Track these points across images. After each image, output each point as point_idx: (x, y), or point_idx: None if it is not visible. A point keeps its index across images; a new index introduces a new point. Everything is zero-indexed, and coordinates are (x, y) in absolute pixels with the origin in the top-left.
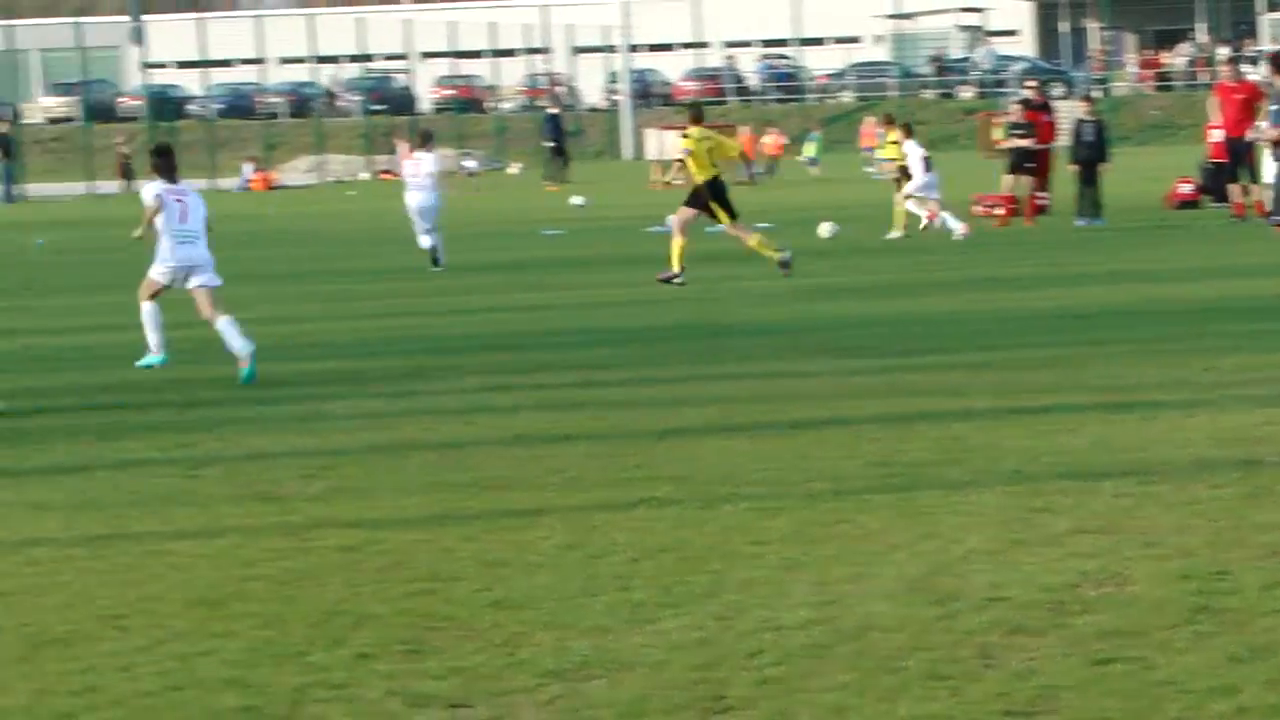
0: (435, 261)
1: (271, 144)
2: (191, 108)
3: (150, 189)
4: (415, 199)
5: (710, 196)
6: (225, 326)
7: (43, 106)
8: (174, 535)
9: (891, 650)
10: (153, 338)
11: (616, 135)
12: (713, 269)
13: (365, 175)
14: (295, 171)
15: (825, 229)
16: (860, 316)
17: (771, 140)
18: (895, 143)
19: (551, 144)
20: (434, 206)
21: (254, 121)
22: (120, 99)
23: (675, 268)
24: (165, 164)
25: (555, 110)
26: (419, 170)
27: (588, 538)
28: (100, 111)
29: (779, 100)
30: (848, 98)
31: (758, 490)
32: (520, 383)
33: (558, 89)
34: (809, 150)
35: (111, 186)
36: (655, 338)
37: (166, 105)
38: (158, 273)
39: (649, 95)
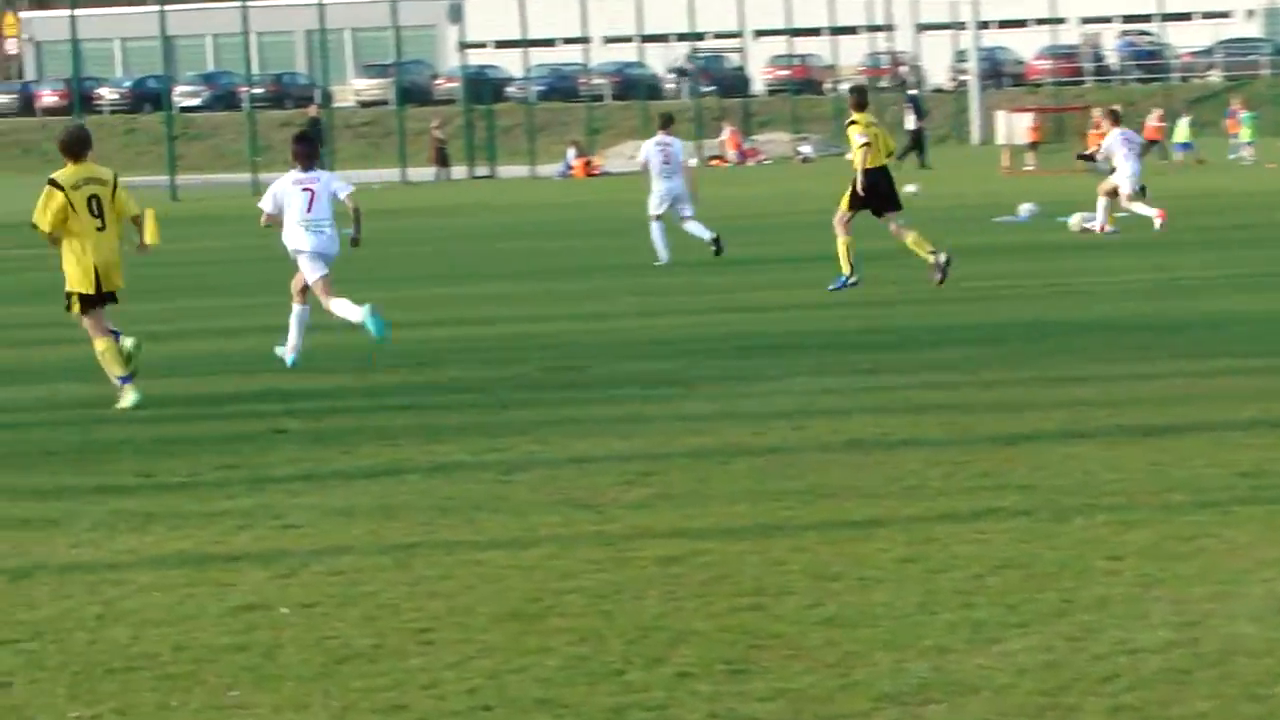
0: (718, 248)
1: (595, 128)
2: (510, 90)
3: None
4: (664, 187)
5: (872, 188)
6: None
7: (354, 89)
8: (485, 544)
9: (1258, 676)
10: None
11: (964, 118)
12: (1066, 261)
13: (693, 161)
14: (620, 157)
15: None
16: (1223, 314)
17: (1154, 122)
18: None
19: (913, 128)
20: (685, 193)
21: (576, 104)
22: (436, 81)
23: (845, 270)
24: (305, 150)
25: (915, 90)
26: (669, 156)
27: (927, 551)
28: (414, 94)
29: (1140, 80)
30: (1215, 77)
31: (1112, 501)
32: (856, 384)
33: (901, 69)
34: (1181, 135)
35: (425, 173)
36: (1001, 336)
37: (484, 87)
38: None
39: (999, 75)
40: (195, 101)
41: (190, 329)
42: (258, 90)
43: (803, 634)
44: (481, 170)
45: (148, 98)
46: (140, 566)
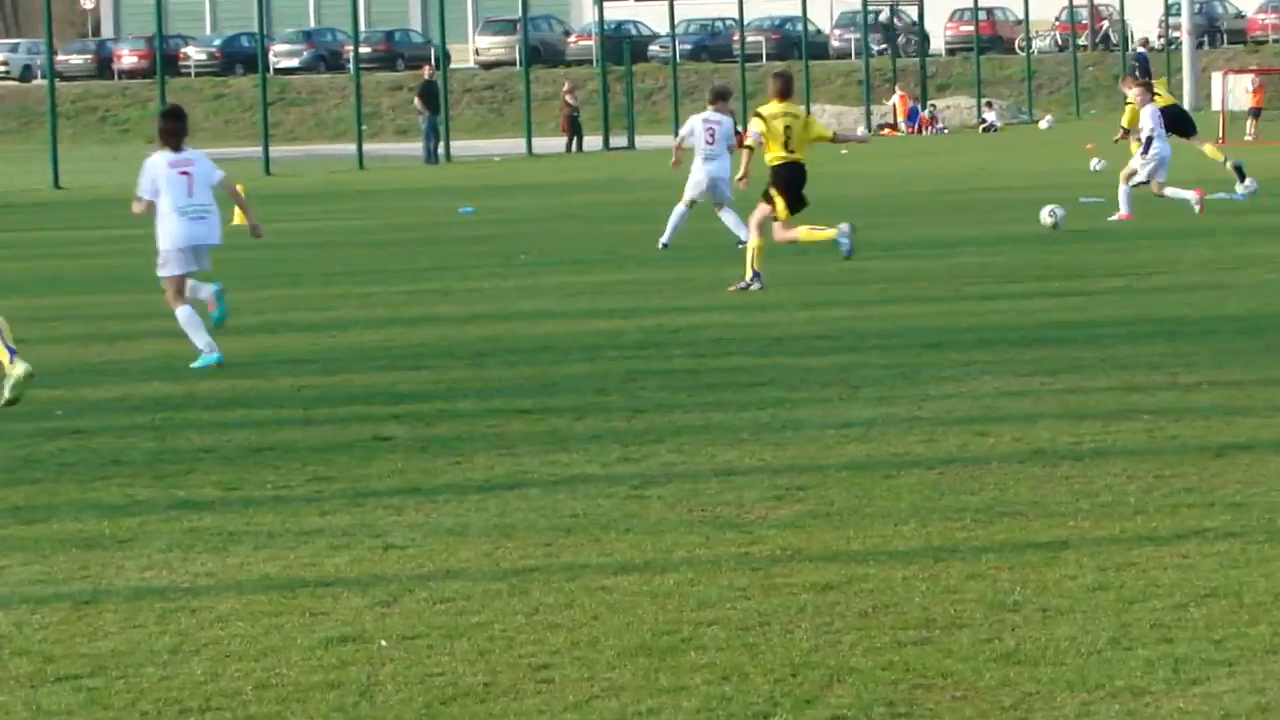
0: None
1: (751, 92)
2: (653, 49)
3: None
4: (706, 170)
5: (777, 181)
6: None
7: (475, 48)
8: (613, 568)
9: None
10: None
11: (1176, 80)
12: None
13: (861, 130)
14: None
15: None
16: None
17: None
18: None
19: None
20: (727, 179)
21: (728, 65)
22: (568, 38)
23: (748, 274)
24: (171, 129)
25: (1143, 49)
26: (715, 136)
27: (1122, 578)
28: (543, 53)
29: None
30: None
31: None
32: (1041, 385)
33: (1102, 24)
34: None
35: (554, 144)
36: (1211, 330)
37: (622, 46)
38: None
39: (1215, 31)
40: (293, 62)
41: (281, 321)
42: (365, 49)
43: (976, 672)
44: (618, 140)
45: (239, 58)
46: (220, 592)
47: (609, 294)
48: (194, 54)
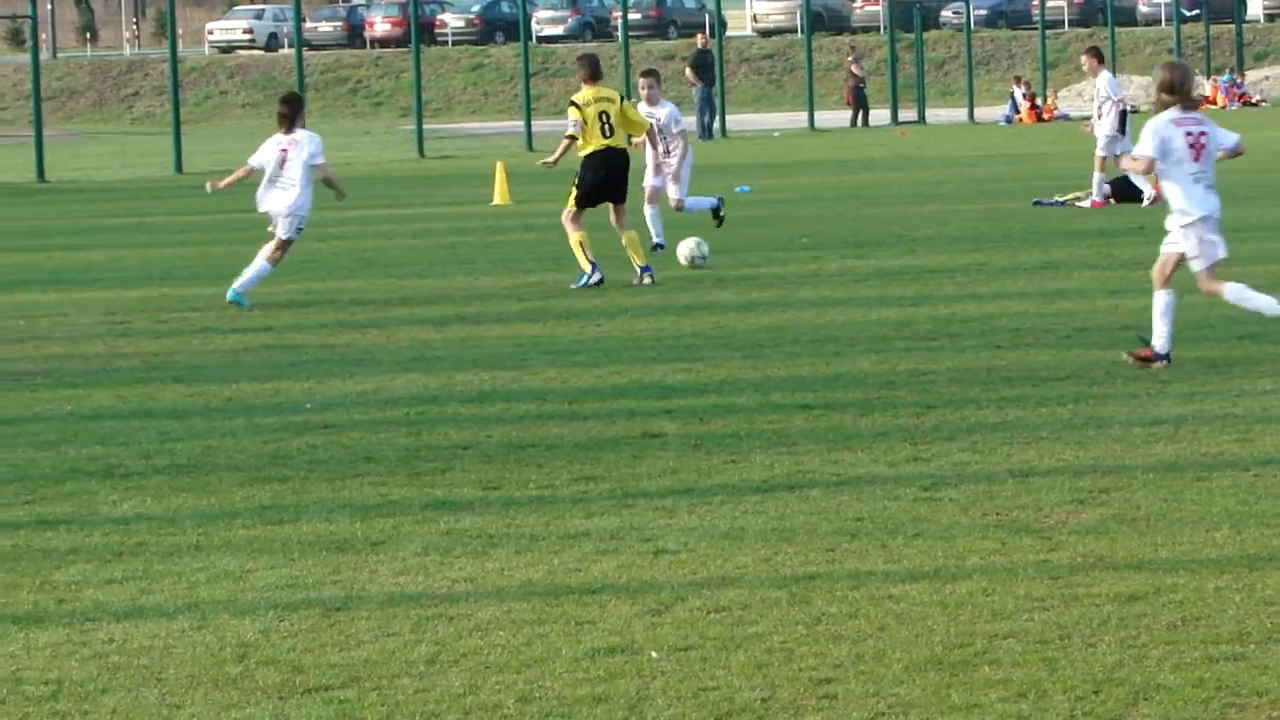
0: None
1: (1051, 61)
2: (945, 15)
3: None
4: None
5: (596, 180)
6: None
7: (753, 14)
8: (901, 576)
9: None
10: None
11: None
12: None
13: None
14: (1080, 98)
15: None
16: None
17: None
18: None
19: None
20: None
21: (1027, 32)
22: (854, 3)
23: (585, 267)
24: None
25: None
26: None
27: None
28: (826, 20)
29: None
30: None
31: None
32: None
33: None
34: None
35: (838, 117)
36: None
37: (912, 12)
38: None
39: None
40: (557, 30)
41: (543, 308)
42: (635, 16)
43: None
44: (907, 114)
45: (500, 25)
46: (479, 599)
47: (897, 281)
48: (451, 21)
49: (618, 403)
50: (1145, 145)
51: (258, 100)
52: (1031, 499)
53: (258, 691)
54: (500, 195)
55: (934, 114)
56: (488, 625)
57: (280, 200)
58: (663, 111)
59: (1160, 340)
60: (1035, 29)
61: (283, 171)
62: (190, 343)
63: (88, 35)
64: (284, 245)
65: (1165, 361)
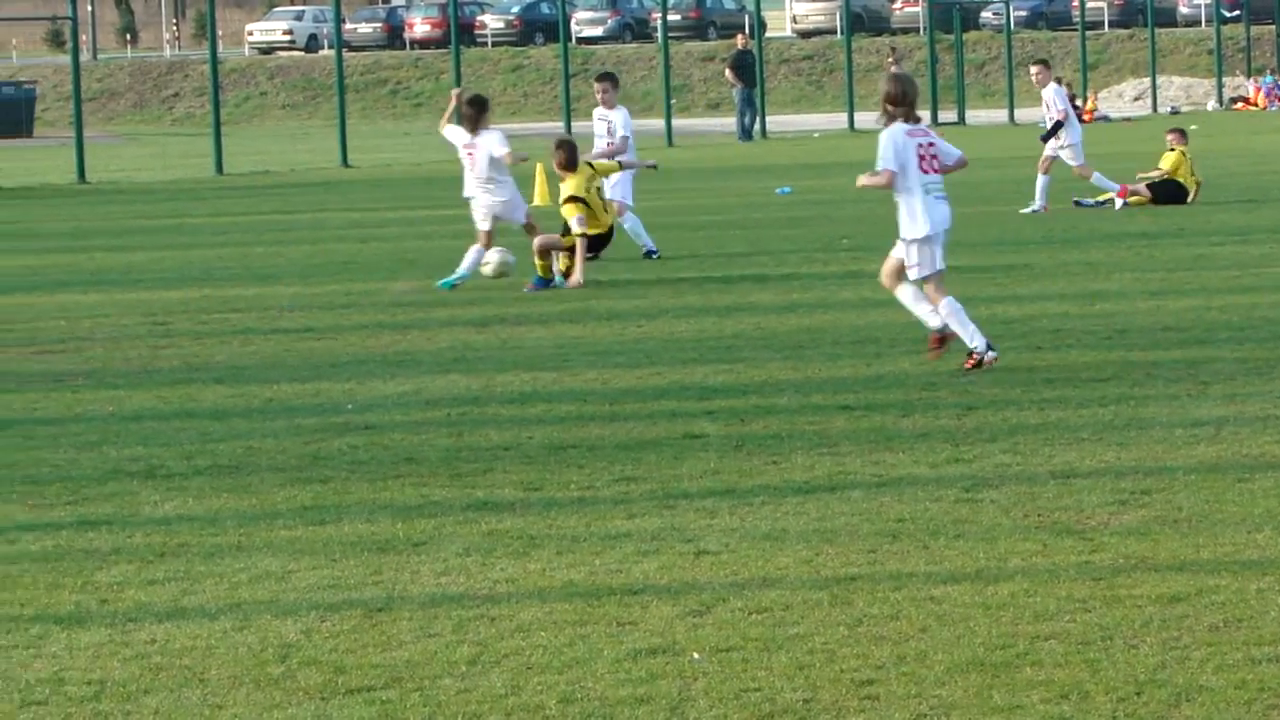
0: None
1: (1092, 63)
2: (985, 16)
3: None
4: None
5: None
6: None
7: (792, 15)
8: (943, 578)
9: None
10: None
11: None
12: None
13: (1212, 105)
14: (1120, 99)
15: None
16: None
17: None
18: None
19: None
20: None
21: (1067, 33)
22: (893, 4)
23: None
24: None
25: None
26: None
27: None
28: (866, 21)
29: None
30: None
31: None
32: None
33: None
34: None
35: (872, 119)
36: None
37: (952, 12)
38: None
39: None
40: (597, 31)
41: (588, 310)
42: (674, 17)
43: None
44: (947, 115)
45: (539, 26)
46: (521, 600)
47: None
48: (491, 22)
49: (659, 404)
50: (886, 159)
51: (297, 101)
52: (1073, 500)
53: (300, 692)
54: (540, 196)
55: (974, 115)
56: (529, 626)
57: (490, 197)
58: (618, 116)
59: (932, 320)
60: (1075, 30)
61: (474, 171)
62: (231, 344)
63: (128, 36)
64: (530, 229)
65: (946, 338)
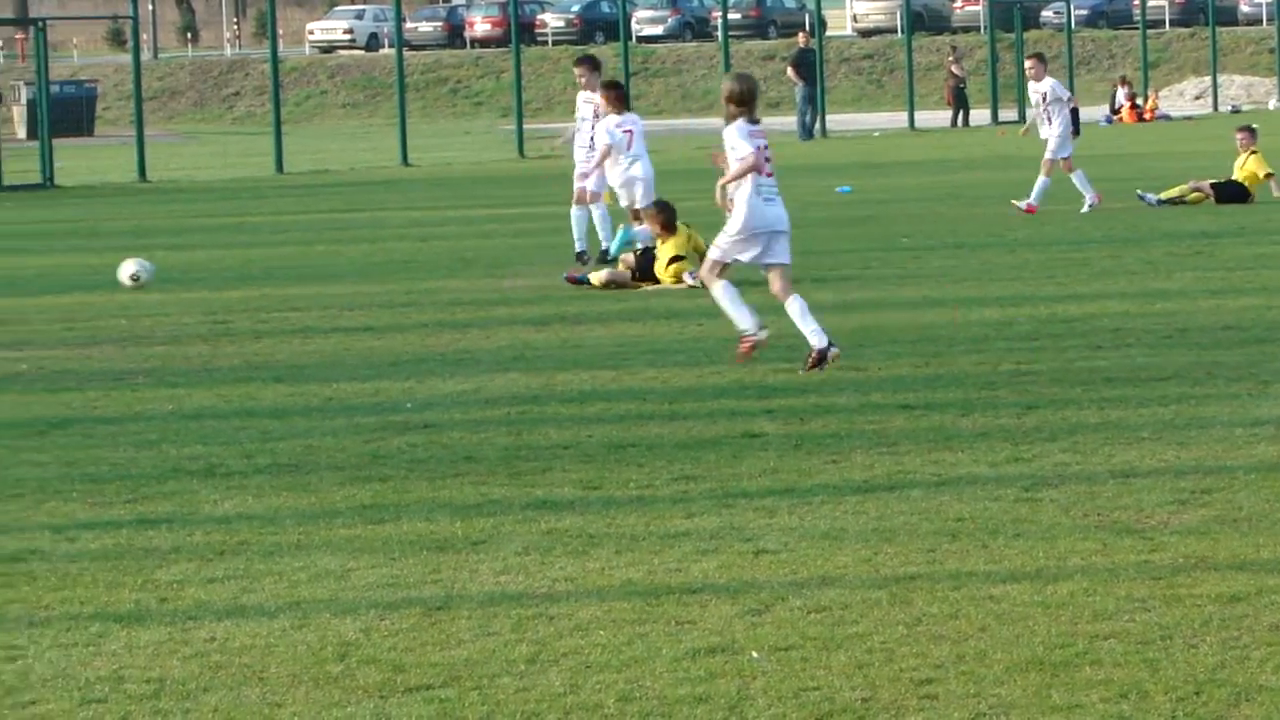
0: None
1: (1152, 61)
2: (1046, 14)
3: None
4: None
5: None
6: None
7: (852, 14)
8: (1002, 577)
9: None
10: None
11: None
12: None
13: (1273, 104)
14: (1181, 98)
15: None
16: None
17: None
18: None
19: None
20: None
21: (1128, 31)
22: (954, 3)
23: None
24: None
25: None
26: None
27: None
28: (926, 20)
29: None
30: None
31: None
32: None
33: None
34: None
35: (937, 117)
36: None
37: (1013, 12)
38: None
39: None
40: (657, 30)
41: (644, 309)
42: (734, 16)
43: None
44: (1008, 114)
45: (600, 25)
46: (580, 598)
47: (997, 280)
48: (551, 21)
49: (718, 403)
50: (741, 146)
51: (358, 100)
52: (1133, 499)
53: (359, 690)
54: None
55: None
56: (588, 625)
57: (627, 173)
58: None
59: (746, 322)
60: (1136, 29)
61: (631, 149)
62: (291, 342)
63: (188, 35)
64: (639, 213)
65: (764, 332)
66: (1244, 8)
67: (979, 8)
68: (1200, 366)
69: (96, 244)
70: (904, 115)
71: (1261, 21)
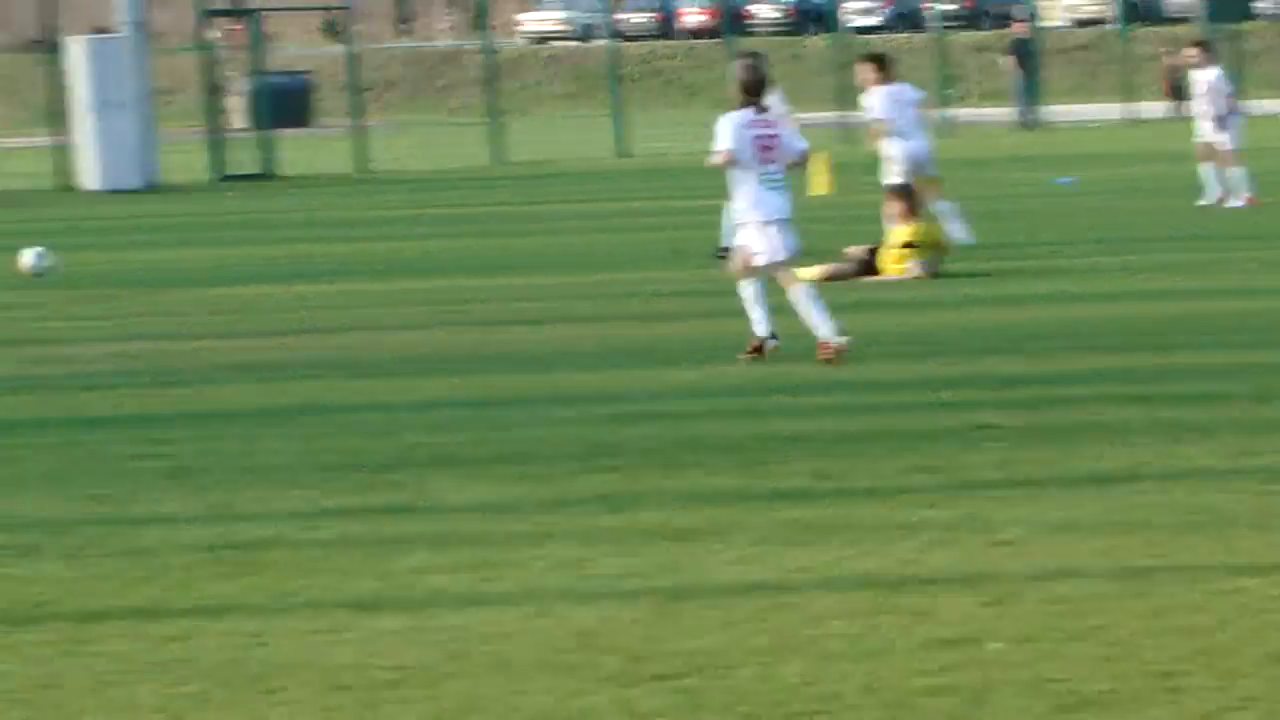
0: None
1: None
2: (1262, 5)
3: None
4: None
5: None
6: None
7: (1067, 4)
8: (1243, 570)
9: None
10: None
11: None
12: None
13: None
14: None
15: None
16: None
17: None
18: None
19: None
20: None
21: None
22: None
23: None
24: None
25: None
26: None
27: None
28: (1142, 10)
29: None
30: None
31: None
32: None
33: None
34: None
35: (1155, 109)
36: None
37: (1230, 2)
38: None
39: None
40: (872, 21)
41: (877, 300)
42: (948, 7)
43: None
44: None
45: (813, 16)
46: (816, 588)
47: (1230, 273)
48: (764, 11)
49: (948, 393)
50: (724, 141)
51: (573, 91)
52: None
53: (601, 679)
54: (820, 185)
55: (1252, 105)
56: (824, 615)
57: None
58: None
59: (759, 326)
60: None
61: (903, 118)
62: (523, 332)
63: (402, 26)
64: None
65: (774, 342)
66: None
67: None
68: None
69: (314, 234)
70: (1119, 106)
71: None
